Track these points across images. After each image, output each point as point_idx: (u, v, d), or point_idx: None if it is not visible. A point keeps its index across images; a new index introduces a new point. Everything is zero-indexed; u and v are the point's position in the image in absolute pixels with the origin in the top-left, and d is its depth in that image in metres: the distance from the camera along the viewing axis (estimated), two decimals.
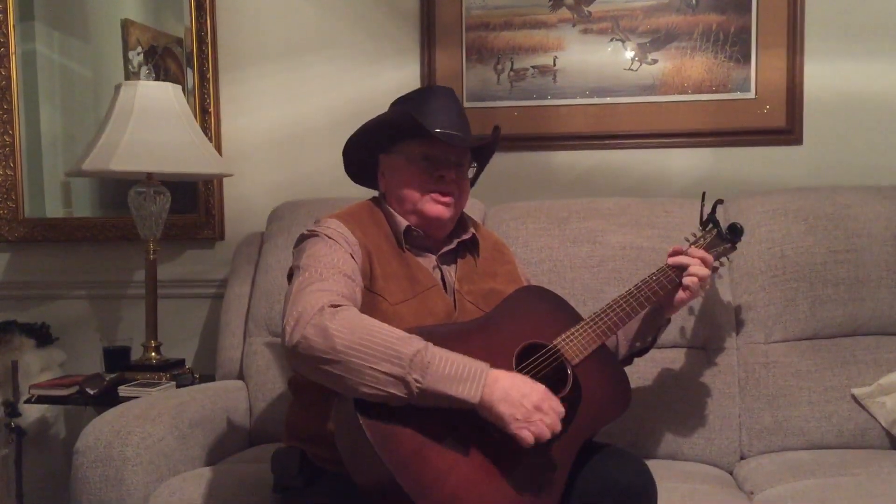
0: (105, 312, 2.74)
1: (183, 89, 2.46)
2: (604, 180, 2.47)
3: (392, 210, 1.63)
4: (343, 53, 2.59)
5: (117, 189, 2.68)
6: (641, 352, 1.76)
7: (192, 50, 2.63)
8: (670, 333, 2.00)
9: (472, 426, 1.33)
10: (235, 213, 2.67)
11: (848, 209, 2.08)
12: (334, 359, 1.28)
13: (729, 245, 1.77)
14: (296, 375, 1.62)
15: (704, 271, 1.63)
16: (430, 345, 1.30)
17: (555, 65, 2.48)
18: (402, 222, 1.60)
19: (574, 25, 2.46)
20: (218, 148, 2.62)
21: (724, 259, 1.80)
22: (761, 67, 2.38)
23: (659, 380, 2.02)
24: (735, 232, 1.77)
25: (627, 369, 1.63)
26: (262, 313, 2.26)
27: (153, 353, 2.40)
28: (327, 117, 2.59)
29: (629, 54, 2.44)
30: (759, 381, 2.00)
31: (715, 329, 2.05)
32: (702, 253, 1.67)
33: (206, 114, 2.62)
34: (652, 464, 1.51)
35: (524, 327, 1.51)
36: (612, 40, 2.45)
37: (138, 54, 2.69)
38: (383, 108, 1.68)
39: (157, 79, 2.67)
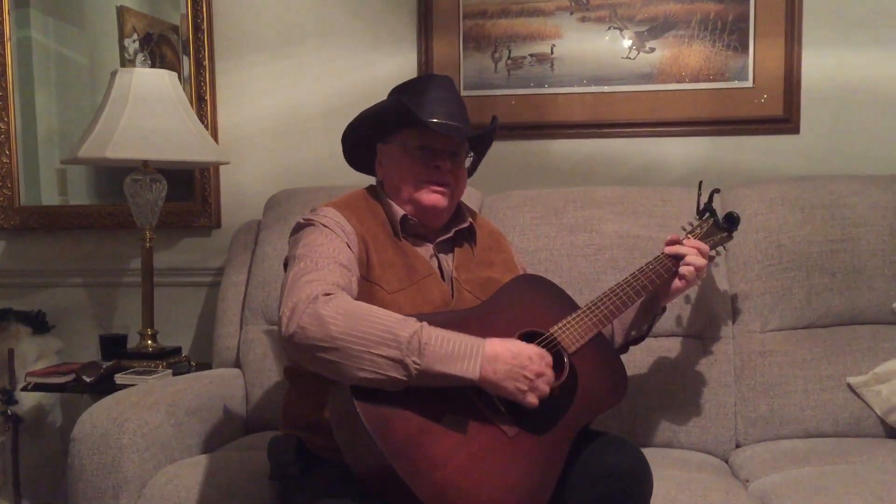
0: (101, 300, 2.74)
1: (179, 77, 2.45)
2: (601, 169, 2.47)
3: (389, 199, 1.63)
4: (339, 41, 2.57)
5: (113, 177, 2.67)
6: (637, 340, 1.76)
7: (188, 37, 2.62)
8: (666, 322, 2.00)
9: (470, 411, 1.34)
10: (232, 201, 2.66)
11: (845, 199, 2.08)
12: (331, 346, 1.28)
13: (725, 234, 1.77)
14: (292, 363, 1.62)
15: (701, 261, 1.63)
16: (426, 325, 1.31)
17: (552, 53, 2.47)
18: (399, 211, 1.60)
19: (572, 13, 2.45)
20: (214, 136, 2.61)
21: (720, 248, 1.80)
22: (759, 56, 2.37)
23: (655, 368, 2.02)
24: (732, 221, 1.77)
25: (623, 357, 1.63)
26: (258, 301, 2.26)
27: (150, 341, 2.40)
28: (324, 105, 2.58)
29: (627, 43, 2.43)
30: (754, 369, 2.00)
31: (711, 318, 2.05)
32: (698, 242, 1.67)
33: (203, 101, 2.62)
34: (648, 452, 1.51)
35: (521, 315, 1.51)
36: (609, 28, 2.44)
37: (134, 41, 2.68)
38: (380, 96, 1.67)
39: (152, 66, 2.66)
